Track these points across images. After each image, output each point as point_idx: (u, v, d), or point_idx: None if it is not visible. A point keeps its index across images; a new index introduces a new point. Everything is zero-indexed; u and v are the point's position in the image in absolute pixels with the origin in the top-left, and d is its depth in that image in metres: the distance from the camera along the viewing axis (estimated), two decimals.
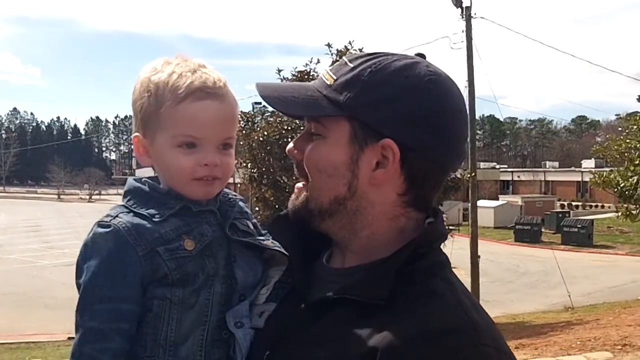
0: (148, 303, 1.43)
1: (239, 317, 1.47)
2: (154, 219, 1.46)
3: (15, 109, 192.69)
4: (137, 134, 1.55)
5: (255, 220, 1.66)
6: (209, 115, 1.48)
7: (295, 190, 1.50)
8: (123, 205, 1.51)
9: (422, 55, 1.46)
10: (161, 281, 1.43)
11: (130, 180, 1.57)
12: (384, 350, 1.22)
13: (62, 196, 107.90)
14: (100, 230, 1.45)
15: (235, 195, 1.66)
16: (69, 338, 16.61)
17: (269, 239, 1.58)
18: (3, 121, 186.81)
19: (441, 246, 1.45)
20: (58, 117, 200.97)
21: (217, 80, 1.51)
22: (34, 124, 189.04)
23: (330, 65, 1.50)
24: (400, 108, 1.35)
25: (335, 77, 1.41)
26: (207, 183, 1.51)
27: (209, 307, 1.46)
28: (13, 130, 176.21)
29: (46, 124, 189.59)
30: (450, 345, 1.21)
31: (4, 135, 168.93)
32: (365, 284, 1.33)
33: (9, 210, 72.84)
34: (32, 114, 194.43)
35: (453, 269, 1.44)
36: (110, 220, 1.46)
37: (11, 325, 19.75)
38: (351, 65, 1.41)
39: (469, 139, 22.39)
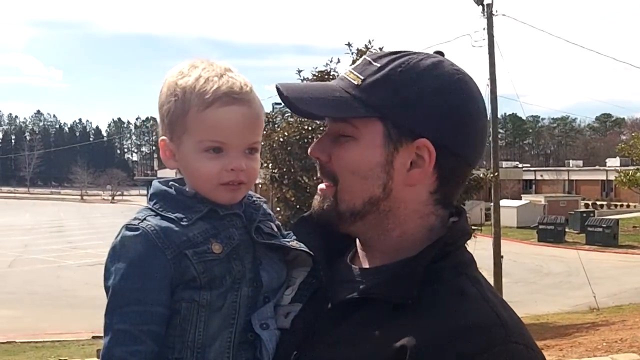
0: (176, 305, 1.44)
1: (264, 319, 1.48)
2: (181, 223, 1.47)
3: (38, 111, 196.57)
4: (163, 137, 1.55)
5: (278, 222, 1.66)
6: (236, 120, 1.48)
7: (319, 191, 1.48)
8: (150, 209, 1.52)
9: (441, 53, 1.46)
10: (189, 284, 1.44)
11: (155, 183, 1.58)
12: (413, 349, 1.22)
13: (85, 197, 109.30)
14: (129, 233, 1.45)
15: (259, 198, 1.66)
16: (93, 337, 16.81)
17: (293, 240, 1.58)
18: (27, 123, 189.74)
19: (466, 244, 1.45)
20: (80, 119, 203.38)
21: (243, 85, 1.50)
22: (57, 126, 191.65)
23: (352, 65, 1.48)
24: (433, 107, 1.35)
25: (362, 77, 1.39)
26: (233, 188, 1.51)
27: (237, 309, 1.46)
28: (37, 132, 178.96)
29: (69, 126, 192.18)
30: (480, 343, 1.21)
31: (27, 137, 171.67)
32: (392, 284, 1.33)
33: (34, 211, 73.95)
34: (54, 116, 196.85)
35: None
36: (139, 223, 1.46)
37: (36, 324, 20.02)
38: (377, 64, 1.39)
39: (491, 138, 22.41)
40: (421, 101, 1.35)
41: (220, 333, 1.45)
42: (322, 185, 1.47)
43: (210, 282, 1.44)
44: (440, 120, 1.35)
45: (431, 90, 1.35)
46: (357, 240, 1.50)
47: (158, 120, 1.58)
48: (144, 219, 1.47)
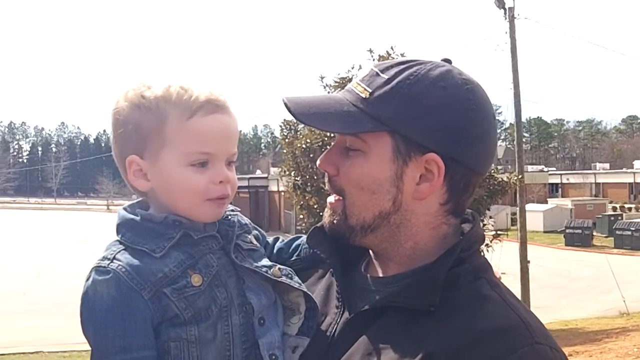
0: (164, 346, 1.34)
1: (272, 349, 1.41)
2: (154, 255, 1.36)
3: (63, 123, 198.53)
4: (132, 155, 1.42)
5: (256, 232, 1.58)
6: (221, 129, 1.42)
7: (329, 205, 1.46)
8: (118, 241, 1.42)
9: (448, 61, 1.44)
10: (172, 321, 1.35)
11: (121, 212, 1.47)
12: (440, 355, 1.21)
13: (110, 207, 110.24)
14: (99, 277, 1.35)
15: (232, 210, 1.54)
16: None
17: (276, 266, 1.49)
18: (52, 135, 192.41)
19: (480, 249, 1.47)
20: (105, 130, 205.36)
21: (219, 94, 1.44)
22: (82, 137, 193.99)
23: (358, 76, 1.44)
24: (442, 120, 1.34)
25: (370, 90, 1.37)
26: (219, 203, 1.43)
27: (230, 340, 1.38)
28: (62, 143, 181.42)
29: (94, 137, 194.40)
30: (506, 345, 1.21)
31: (53, 149, 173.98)
32: (414, 291, 1.32)
33: (60, 222, 74.77)
34: (78, 127, 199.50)
35: (503, 275, 1.39)
36: (108, 264, 1.36)
37: (63, 334, 20.17)
38: (385, 76, 1.37)
39: (515, 142, 22.21)
40: (430, 115, 1.33)
41: None
42: (330, 199, 1.46)
43: (195, 316, 1.35)
44: (449, 134, 1.34)
45: (440, 104, 1.34)
46: (371, 250, 1.48)
47: (112, 139, 1.46)
48: (113, 258, 1.37)
